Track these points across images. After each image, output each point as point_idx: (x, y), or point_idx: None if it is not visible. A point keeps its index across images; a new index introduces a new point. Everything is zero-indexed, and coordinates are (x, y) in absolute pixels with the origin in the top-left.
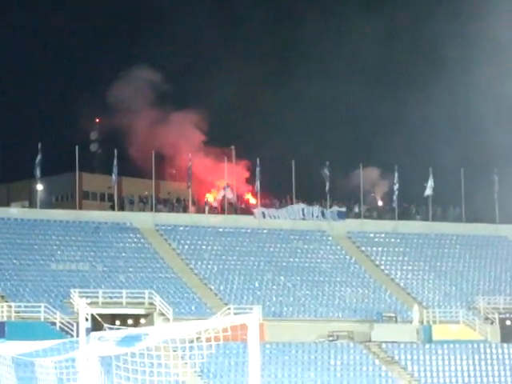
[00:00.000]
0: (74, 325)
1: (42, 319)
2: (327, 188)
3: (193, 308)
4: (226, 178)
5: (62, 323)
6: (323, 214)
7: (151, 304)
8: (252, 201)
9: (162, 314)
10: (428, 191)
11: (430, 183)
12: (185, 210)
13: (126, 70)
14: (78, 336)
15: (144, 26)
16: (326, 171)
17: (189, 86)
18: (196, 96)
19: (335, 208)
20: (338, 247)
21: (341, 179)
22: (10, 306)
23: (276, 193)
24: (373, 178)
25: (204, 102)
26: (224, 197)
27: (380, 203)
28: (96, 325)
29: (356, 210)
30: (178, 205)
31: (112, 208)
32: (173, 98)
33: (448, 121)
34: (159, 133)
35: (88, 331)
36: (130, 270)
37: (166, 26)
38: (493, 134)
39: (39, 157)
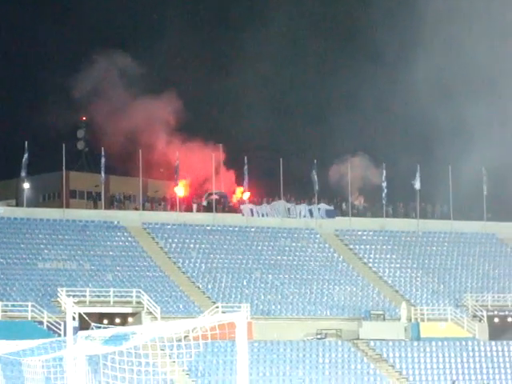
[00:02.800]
0: (62, 324)
1: (30, 318)
2: (316, 188)
3: (181, 307)
4: (214, 176)
5: (50, 322)
6: (311, 213)
7: (139, 303)
8: (243, 196)
9: (150, 313)
10: (417, 185)
11: (417, 179)
12: (172, 208)
13: (94, 54)
14: (65, 335)
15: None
16: (315, 174)
17: (163, 71)
18: (173, 84)
19: (323, 206)
20: (326, 245)
21: (326, 173)
22: None
23: (264, 191)
24: (360, 169)
25: (184, 93)
26: (212, 201)
27: (360, 201)
28: (83, 324)
29: (343, 207)
30: (164, 203)
31: (95, 206)
32: (146, 82)
33: (434, 118)
34: (131, 120)
35: (75, 330)
36: (118, 268)
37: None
38: (479, 130)
39: (26, 155)
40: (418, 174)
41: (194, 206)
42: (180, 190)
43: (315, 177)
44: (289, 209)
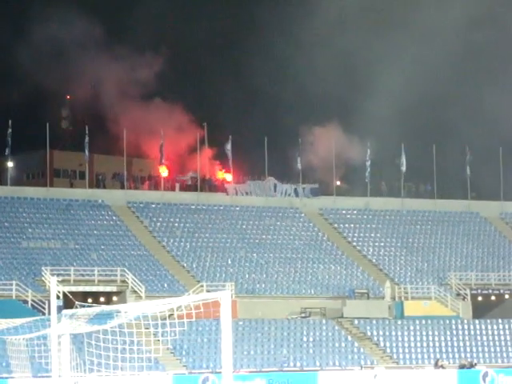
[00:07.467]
0: (46, 302)
1: (14, 297)
2: (299, 165)
3: (165, 285)
4: (199, 157)
5: (34, 301)
6: (296, 192)
7: (123, 282)
8: (227, 178)
9: (135, 292)
10: (403, 165)
11: (403, 158)
12: (156, 187)
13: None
14: (49, 314)
15: None
16: (298, 155)
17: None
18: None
19: (308, 185)
20: (311, 224)
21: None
22: None
23: (248, 170)
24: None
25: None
26: (191, 178)
27: (338, 183)
28: (68, 302)
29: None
30: (150, 182)
31: (71, 185)
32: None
33: (422, 94)
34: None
35: (60, 309)
36: (102, 247)
37: None
38: (464, 109)
39: (9, 134)
40: (403, 154)
41: (177, 185)
42: (164, 171)
43: (299, 157)
44: (275, 185)
